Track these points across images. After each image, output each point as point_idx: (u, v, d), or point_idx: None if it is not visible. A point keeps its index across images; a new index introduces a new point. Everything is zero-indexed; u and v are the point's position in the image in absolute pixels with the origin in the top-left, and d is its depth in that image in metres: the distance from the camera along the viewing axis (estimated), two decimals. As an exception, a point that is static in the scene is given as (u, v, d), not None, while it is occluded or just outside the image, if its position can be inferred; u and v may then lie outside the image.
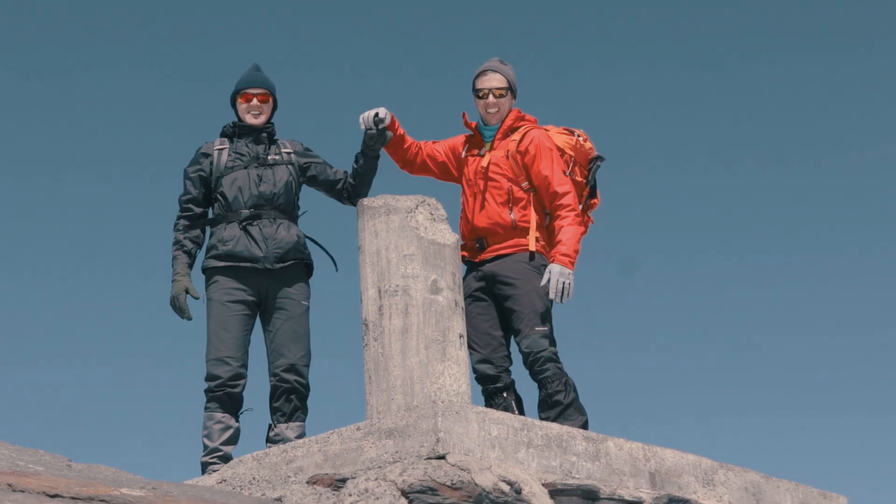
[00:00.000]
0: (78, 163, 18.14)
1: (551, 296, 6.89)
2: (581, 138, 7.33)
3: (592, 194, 7.39)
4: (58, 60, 18.29)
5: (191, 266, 7.21)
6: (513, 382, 7.07)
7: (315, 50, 18.99)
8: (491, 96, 7.20)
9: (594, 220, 7.44)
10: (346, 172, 7.39)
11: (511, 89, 7.25)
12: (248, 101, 7.36)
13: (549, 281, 6.91)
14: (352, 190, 7.33)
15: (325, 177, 7.37)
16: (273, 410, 7.08)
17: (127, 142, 18.27)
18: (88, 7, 18.64)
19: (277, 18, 18.81)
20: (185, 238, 7.25)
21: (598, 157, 7.37)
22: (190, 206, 7.31)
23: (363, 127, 7.07)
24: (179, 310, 7.10)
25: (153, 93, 18.41)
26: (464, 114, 7.30)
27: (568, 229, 7.02)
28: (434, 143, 7.39)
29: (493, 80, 7.23)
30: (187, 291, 7.10)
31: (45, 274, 17.62)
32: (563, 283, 6.90)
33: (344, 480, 5.57)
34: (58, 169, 17.98)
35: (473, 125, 7.30)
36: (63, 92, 18.26)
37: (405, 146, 7.31)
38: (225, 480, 6.10)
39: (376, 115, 7.04)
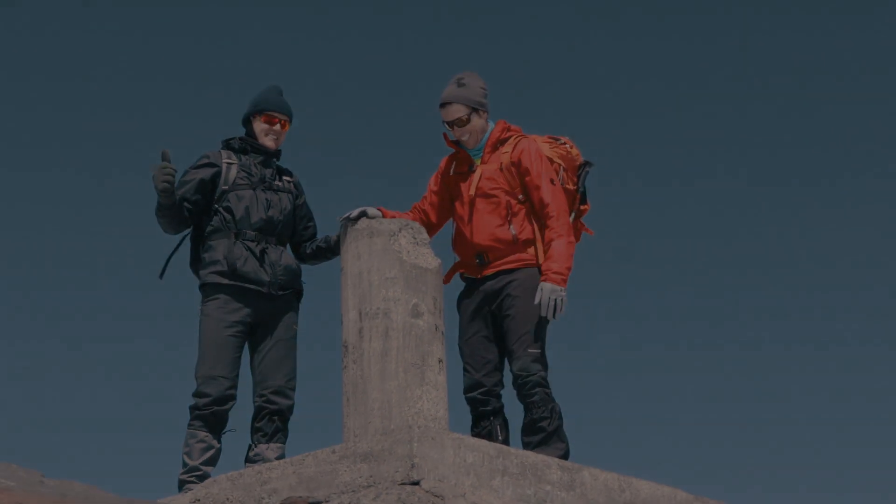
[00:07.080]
0: (58, 141, 18.10)
1: (542, 313, 6.81)
2: (567, 145, 7.29)
3: (583, 200, 7.32)
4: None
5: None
6: (502, 407, 7.03)
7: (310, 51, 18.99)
8: (455, 127, 7.07)
9: (592, 232, 7.38)
10: (314, 236, 7.40)
11: (475, 109, 7.05)
12: (272, 124, 7.31)
13: (541, 300, 6.82)
14: (311, 254, 7.35)
15: (299, 224, 7.37)
16: (254, 430, 7.05)
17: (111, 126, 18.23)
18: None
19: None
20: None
21: (587, 163, 7.33)
22: (183, 204, 7.21)
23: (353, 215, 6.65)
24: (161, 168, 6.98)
25: (143, 75, 18.41)
26: (444, 134, 7.15)
27: (558, 243, 6.90)
28: (423, 198, 7.24)
29: (451, 112, 7.04)
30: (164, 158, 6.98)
31: (23, 277, 17.55)
32: (555, 300, 6.79)
33: (318, 503, 5.56)
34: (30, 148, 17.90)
35: (456, 145, 7.17)
36: (50, 71, 18.22)
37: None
38: (198, 500, 6.08)
39: (363, 212, 6.67)
